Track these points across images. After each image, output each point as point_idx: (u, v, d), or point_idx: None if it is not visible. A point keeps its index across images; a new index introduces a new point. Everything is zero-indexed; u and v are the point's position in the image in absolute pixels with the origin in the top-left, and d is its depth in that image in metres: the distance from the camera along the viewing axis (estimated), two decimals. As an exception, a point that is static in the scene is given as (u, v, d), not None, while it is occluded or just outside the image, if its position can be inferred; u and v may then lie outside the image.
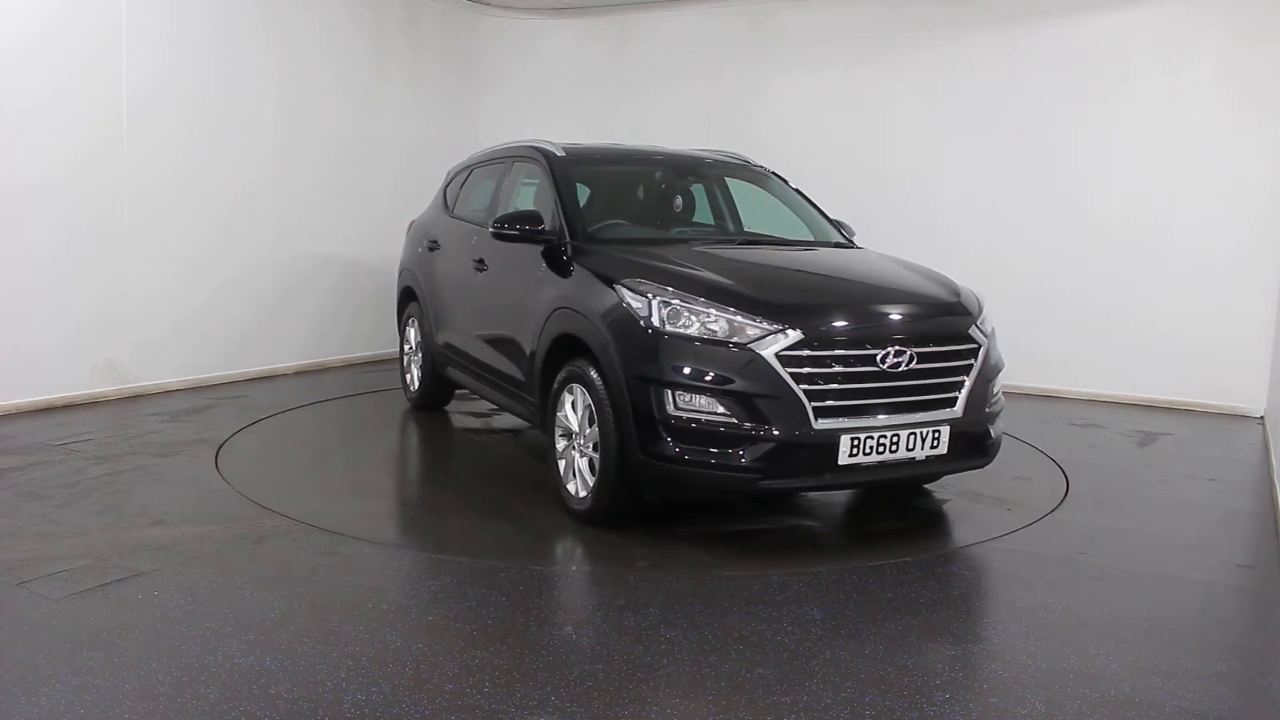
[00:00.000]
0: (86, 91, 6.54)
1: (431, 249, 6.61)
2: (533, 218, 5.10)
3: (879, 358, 4.12)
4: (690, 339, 4.12)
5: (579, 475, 4.54)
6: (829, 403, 4.05)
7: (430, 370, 6.67)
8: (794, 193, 5.93)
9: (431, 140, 9.44)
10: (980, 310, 4.68)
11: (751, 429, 4.00)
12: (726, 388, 4.02)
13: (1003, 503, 5.01)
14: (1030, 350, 8.11)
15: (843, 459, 4.05)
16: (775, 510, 4.86)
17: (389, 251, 9.03)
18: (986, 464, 4.63)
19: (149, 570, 3.78)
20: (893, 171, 8.55)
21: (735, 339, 4.07)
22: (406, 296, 7.06)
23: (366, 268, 8.88)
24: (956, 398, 4.32)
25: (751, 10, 9.08)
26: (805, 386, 4.01)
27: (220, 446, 5.70)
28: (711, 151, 6.30)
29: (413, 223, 7.20)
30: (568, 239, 4.96)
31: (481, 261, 5.79)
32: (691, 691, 2.97)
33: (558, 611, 3.52)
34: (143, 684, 2.90)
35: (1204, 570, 4.17)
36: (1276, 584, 4.05)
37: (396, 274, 7.28)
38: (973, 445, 4.45)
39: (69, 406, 6.53)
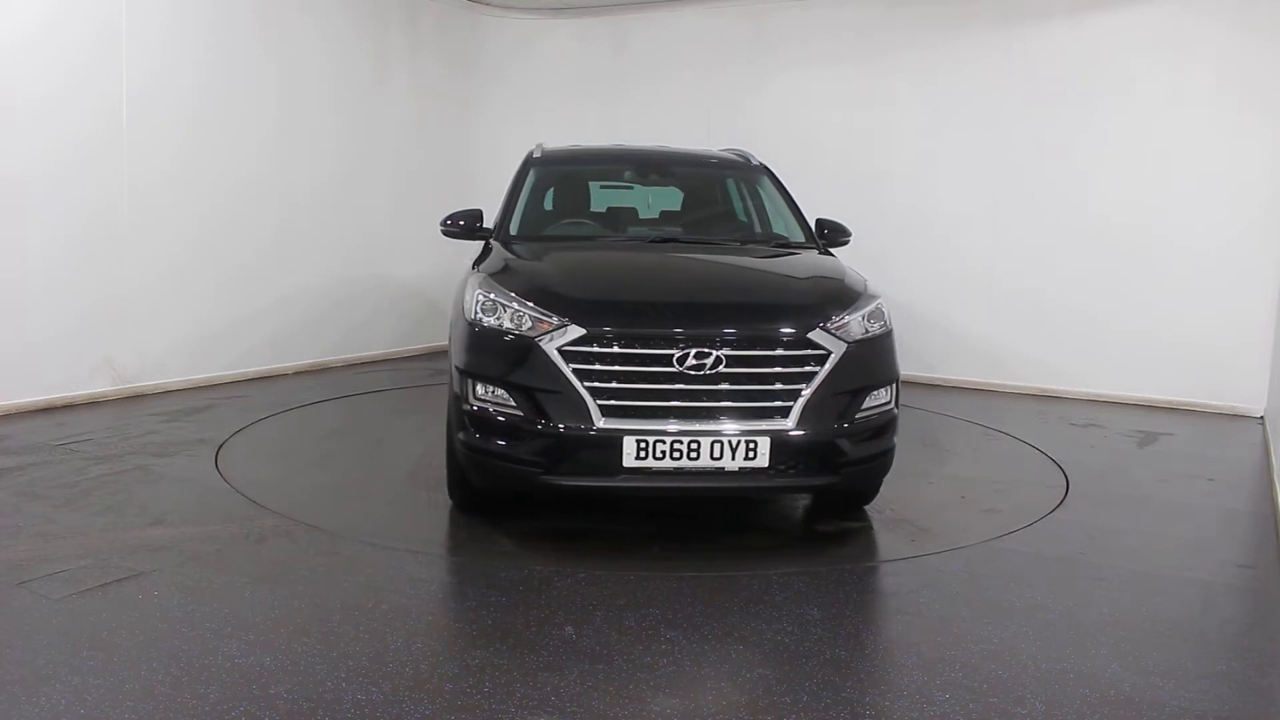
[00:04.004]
0: (86, 90, 6.54)
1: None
2: (472, 215, 5.26)
3: (675, 359, 3.96)
4: (492, 331, 4.20)
5: None
6: (615, 402, 3.96)
7: None
8: (776, 191, 5.77)
9: (430, 140, 9.45)
10: (841, 316, 4.20)
11: (536, 423, 4.00)
12: (514, 380, 4.06)
13: (915, 531, 4.53)
14: (1030, 350, 8.14)
15: (628, 461, 3.91)
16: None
17: (387, 249, 9.06)
18: (839, 484, 4.23)
19: (149, 570, 3.78)
20: (892, 171, 8.55)
21: (528, 333, 4.09)
22: None
23: (366, 266, 8.88)
24: (790, 408, 4.00)
25: (751, 10, 9.08)
26: (589, 383, 3.97)
27: (220, 446, 5.70)
28: (722, 151, 6.25)
29: None
30: (494, 237, 5.13)
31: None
32: (691, 691, 2.97)
33: (558, 611, 3.52)
34: (143, 684, 2.90)
35: (1204, 570, 4.17)
36: (1276, 584, 4.05)
37: None
38: (814, 461, 4.06)
39: (69, 406, 6.52)
